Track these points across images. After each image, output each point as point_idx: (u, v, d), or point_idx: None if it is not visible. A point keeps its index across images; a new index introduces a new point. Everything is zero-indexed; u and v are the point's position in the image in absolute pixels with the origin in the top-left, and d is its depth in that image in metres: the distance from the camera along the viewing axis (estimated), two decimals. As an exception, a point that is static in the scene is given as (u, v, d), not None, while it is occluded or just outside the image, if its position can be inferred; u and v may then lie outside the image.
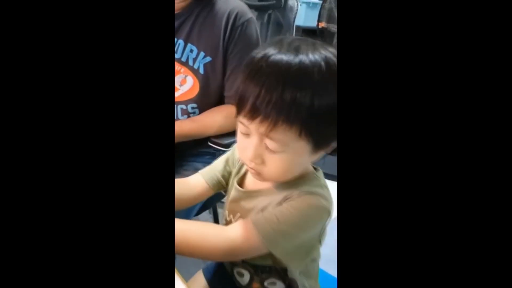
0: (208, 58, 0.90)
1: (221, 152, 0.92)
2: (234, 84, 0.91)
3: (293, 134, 0.43)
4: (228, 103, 0.95)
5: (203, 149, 1.01)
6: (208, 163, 1.05)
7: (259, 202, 0.53)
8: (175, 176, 0.99)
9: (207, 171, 0.64)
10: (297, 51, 0.43)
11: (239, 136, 0.49)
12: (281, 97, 0.41)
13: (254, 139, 0.46)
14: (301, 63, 0.42)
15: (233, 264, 0.61)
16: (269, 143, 0.44)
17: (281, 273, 0.57)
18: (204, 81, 0.91)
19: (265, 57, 0.44)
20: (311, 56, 0.43)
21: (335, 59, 0.44)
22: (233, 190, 0.58)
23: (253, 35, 0.92)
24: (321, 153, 0.49)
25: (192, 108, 0.95)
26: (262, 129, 0.43)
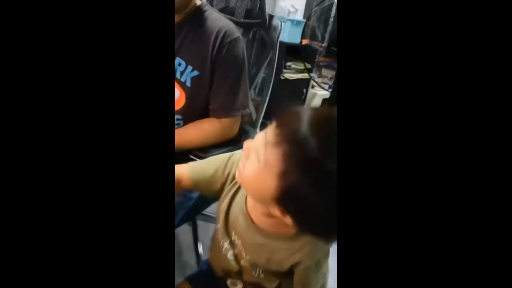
0: (196, 72, 0.92)
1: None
2: (220, 98, 0.94)
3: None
4: (212, 116, 0.97)
5: (186, 161, 1.02)
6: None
7: (270, 245, 0.54)
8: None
9: (194, 165, 0.63)
10: None
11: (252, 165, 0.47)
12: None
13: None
14: None
15: (227, 275, 0.63)
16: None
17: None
18: (191, 94, 0.94)
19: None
20: None
21: None
22: (240, 215, 0.57)
23: (240, 53, 0.95)
24: None
25: (177, 119, 0.96)
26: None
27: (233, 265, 0.60)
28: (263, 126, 0.61)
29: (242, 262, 0.59)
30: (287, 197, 0.44)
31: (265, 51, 1.23)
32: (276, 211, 0.46)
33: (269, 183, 0.43)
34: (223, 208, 0.59)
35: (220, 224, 0.60)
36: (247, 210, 0.56)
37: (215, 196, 0.62)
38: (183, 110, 0.95)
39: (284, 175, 0.42)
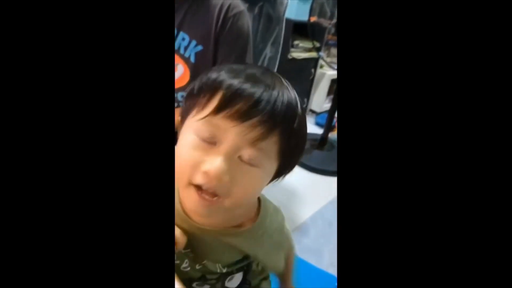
0: (200, 47, 0.91)
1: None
2: None
3: (276, 150, 0.39)
4: None
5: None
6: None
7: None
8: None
9: None
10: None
11: (189, 145, 0.38)
12: (285, 108, 0.37)
13: (224, 148, 0.37)
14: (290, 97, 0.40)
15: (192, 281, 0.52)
16: (250, 153, 0.37)
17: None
18: (195, 69, 0.92)
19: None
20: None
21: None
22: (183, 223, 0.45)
23: (244, 27, 0.93)
24: (271, 183, 0.45)
25: (182, 97, 0.96)
26: (251, 135, 0.36)
27: (192, 273, 0.50)
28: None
29: (198, 266, 0.49)
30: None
31: (271, 27, 1.20)
32: None
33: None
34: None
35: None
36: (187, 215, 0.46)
37: None
38: (187, 87, 0.94)
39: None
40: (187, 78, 0.93)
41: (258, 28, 1.23)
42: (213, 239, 0.46)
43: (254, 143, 0.37)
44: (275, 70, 1.25)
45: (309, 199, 1.62)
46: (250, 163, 0.38)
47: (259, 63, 1.22)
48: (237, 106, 0.36)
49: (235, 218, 0.47)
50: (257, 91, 0.37)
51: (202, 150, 0.38)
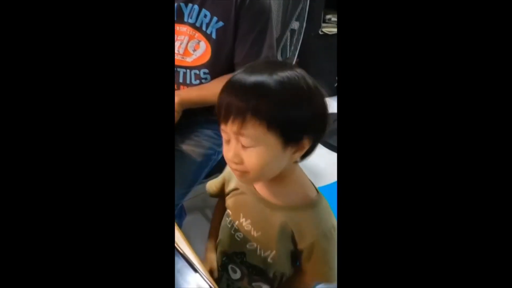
0: (221, 23, 0.91)
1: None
2: (244, 51, 0.92)
3: (262, 128, 0.48)
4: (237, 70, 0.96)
5: (213, 116, 1.03)
6: (217, 130, 1.08)
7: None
8: (186, 141, 1.03)
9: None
10: (263, 71, 0.50)
11: (224, 146, 0.55)
12: (247, 97, 0.48)
13: (232, 141, 0.52)
14: (268, 78, 0.49)
15: (231, 261, 0.67)
16: (242, 140, 0.50)
17: (271, 278, 0.64)
18: (216, 46, 0.93)
19: (237, 78, 0.51)
20: (276, 76, 0.49)
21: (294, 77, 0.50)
22: (251, 196, 0.61)
23: (265, 2, 0.91)
24: (298, 152, 0.53)
25: (204, 73, 0.97)
26: (235, 127, 0.49)
27: (239, 246, 0.64)
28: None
29: (248, 245, 0.62)
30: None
31: (296, 1, 1.17)
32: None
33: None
34: (231, 193, 0.66)
35: (229, 209, 0.66)
36: (254, 188, 0.61)
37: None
38: (209, 64, 0.95)
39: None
40: (208, 54, 0.94)
41: (280, 1, 1.20)
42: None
43: (239, 133, 0.49)
44: (299, 45, 1.21)
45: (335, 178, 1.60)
46: (248, 146, 0.50)
47: (283, 39, 1.20)
48: (221, 115, 0.51)
49: (291, 198, 0.58)
50: (229, 98, 0.50)
51: (226, 149, 0.54)
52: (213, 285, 0.52)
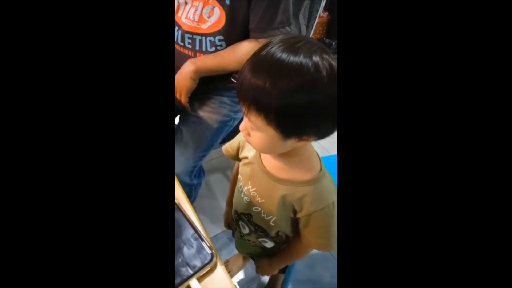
0: (234, -12, 0.89)
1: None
2: (258, 16, 0.91)
3: (262, 120, 0.49)
4: (252, 36, 0.95)
5: (228, 83, 1.05)
6: (233, 97, 1.08)
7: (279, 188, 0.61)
8: (204, 107, 1.05)
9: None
10: (294, 51, 0.46)
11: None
12: (253, 87, 0.47)
13: (245, 116, 0.53)
14: (288, 62, 0.45)
15: (240, 218, 0.74)
16: (251, 123, 0.52)
17: (274, 237, 0.72)
18: (230, 11, 0.92)
19: (262, 52, 0.48)
20: (298, 58, 0.45)
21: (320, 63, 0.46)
22: (257, 167, 0.64)
23: None
24: (302, 142, 0.53)
25: (219, 40, 0.97)
26: (244, 109, 0.51)
27: (247, 208, 0.70)
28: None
29: (253, 208, 0.68)
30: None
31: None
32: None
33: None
34: (244, 162, 0.69)
35: (240, 174, 0.70)
36: (261, 161, 0.64)
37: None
38: (224, 30, 0.95)
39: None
40: (223, 21, 0.94)
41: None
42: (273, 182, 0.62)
43: (246, 115, 0.51)
44: (324, 3, 1.14)
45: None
46: (253, 129, 0.52)
47: (303, 6, 1.15)
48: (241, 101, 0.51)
49: (293, 174, 0.60)
50: (241, 79, 0.49)
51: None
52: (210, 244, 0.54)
